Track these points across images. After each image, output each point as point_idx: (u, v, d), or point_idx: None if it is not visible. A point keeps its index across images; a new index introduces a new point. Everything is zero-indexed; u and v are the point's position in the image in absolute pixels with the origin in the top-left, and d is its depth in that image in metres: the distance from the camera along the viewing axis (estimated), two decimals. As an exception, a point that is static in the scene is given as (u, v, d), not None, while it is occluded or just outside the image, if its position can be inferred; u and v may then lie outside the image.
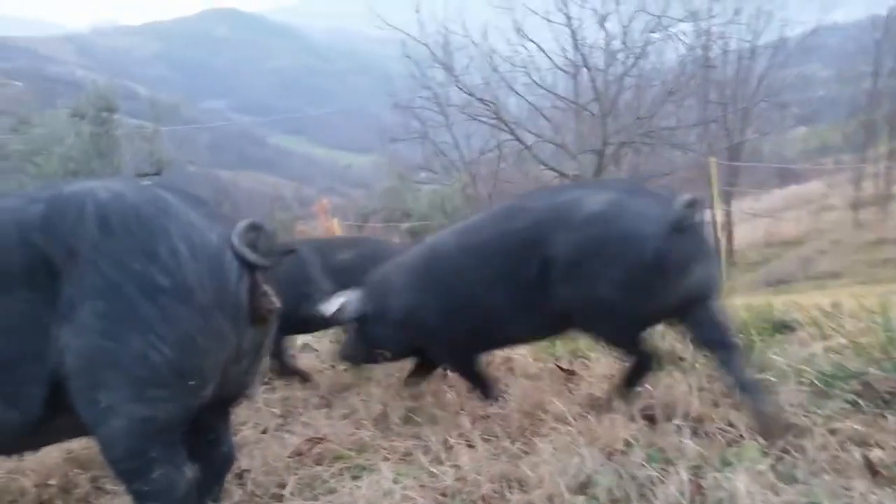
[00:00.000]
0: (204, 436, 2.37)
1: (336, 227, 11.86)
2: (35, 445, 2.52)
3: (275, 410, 3.33)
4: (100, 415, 2.07)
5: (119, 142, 16.86)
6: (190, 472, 2.14)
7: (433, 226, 12.63)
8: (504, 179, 19.39)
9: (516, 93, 18.65)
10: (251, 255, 2.12)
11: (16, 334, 2.08)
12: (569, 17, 17.52)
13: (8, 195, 2.28)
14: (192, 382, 2.12)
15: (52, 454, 2.91)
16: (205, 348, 2.13)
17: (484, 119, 18.50)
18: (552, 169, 17.78)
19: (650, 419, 2.72)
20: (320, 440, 2.85)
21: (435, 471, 2.43)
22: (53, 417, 2.17)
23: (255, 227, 2.18)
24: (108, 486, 2.70)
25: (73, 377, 2.05)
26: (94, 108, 17.32)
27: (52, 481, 2.81)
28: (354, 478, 2.52)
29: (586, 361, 3.62)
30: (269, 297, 2.17)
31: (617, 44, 17.45)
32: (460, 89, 18.42)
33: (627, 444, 2.51)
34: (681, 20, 17.52)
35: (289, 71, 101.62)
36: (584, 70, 17.73)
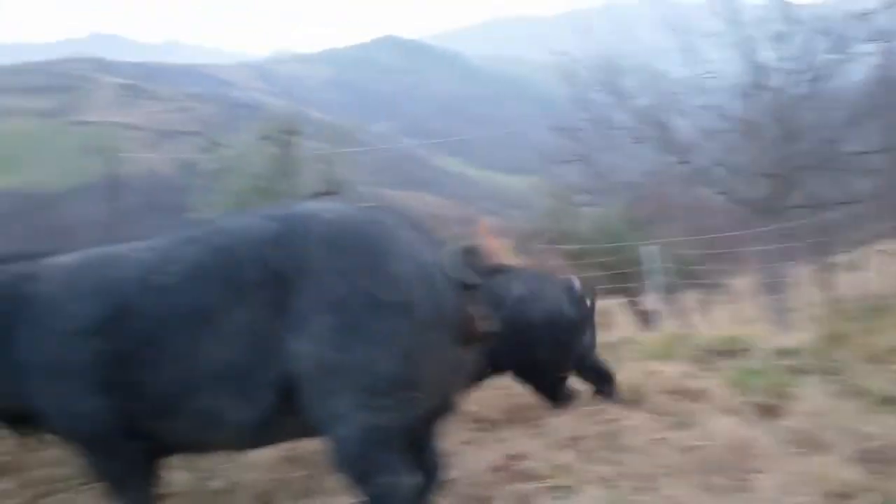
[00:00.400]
0: (416, 446, 2.45)
1: (504, 248, 11.91)
2: (263, 444, 2.70)
3: (469, 425, 3.41)
4: (329, 421, 2.22)
5: (299, 163, 17.80)
6: (412, 479, 2.23)
7: (596, 249, 12.47)
8: (670, 202, 18.90)
9: (684, 115, 18.19)
10: (465, 275, 2.22)
11: (251, 342, 2.25)
12: (744, 38, 16.91)
13: (244, 214, 2.53)
14: (414, 394, 2.22)
15: (271, 452, 3.12)
16: (425, 362, 2.22)
17: (649, 141, 18.15)
18: (723, 193, 17.12)
19: (871, 461, 2.57)
20: (520, 458, 2.89)
21: (643, 499, 2.41)
22: (282, 419, 2.33)
23: (467, 249, 2.29)
24: (323, 485, 2.87)
25: (303, 384, 2.21)
26: (277, 131, 18.39)
27: (270, 477, 3.02)
28: (558, 498, 2.54)
29: (788, 396, 3.46)
30: (482, 317, 2.25)
31: (796, 64, 16.62)
32: (626, 112, 18.20)
33: (848, 485, 2.38)
34: (866, 40, 16.44)
35: (451, 95, 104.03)
36: (760, 91, 17.00)
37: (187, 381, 2.32)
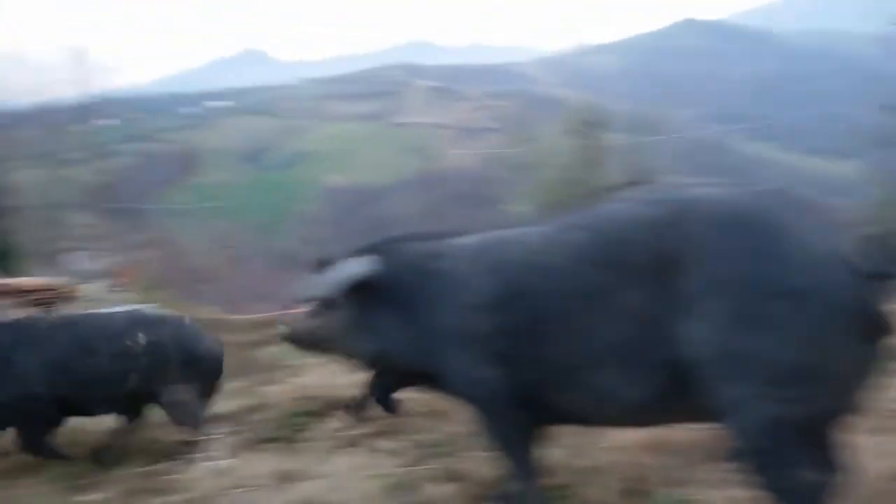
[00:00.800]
0: (818, 443, 2.34)
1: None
2: (647, 423, 2.81)
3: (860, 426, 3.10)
4: (729, 409, 2.20)
5: (604, 154, 18.02)
6: (818, 476, 2.19)
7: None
8: None
9: None
10: (876, 265, 2.10)
11: (640, 323, 2.32)
12: None
13: (624, 200, 2.57)
14: (818, 387, 2.14)
15: (636, 436, 3.25)
16: (828, 354, 2.12)
17: None
18: None
19: None
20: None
21: None
22: (669, 401, 2.39)
23: (875, 237, 2.19)
24: (694, 475, 2.93)
25: (699, 369, 2.21)
26: (580, 123, 18.75)
27: (636, 461, 3.14)
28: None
29: None
30: (885, 311, 2.09)
31: None
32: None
33: None
34: None
35: (759, 76, 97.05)
36: None
37: (578, 356, 2.47)
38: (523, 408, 2.69)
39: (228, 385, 6.02)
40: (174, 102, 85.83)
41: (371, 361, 3.12)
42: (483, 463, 3.20)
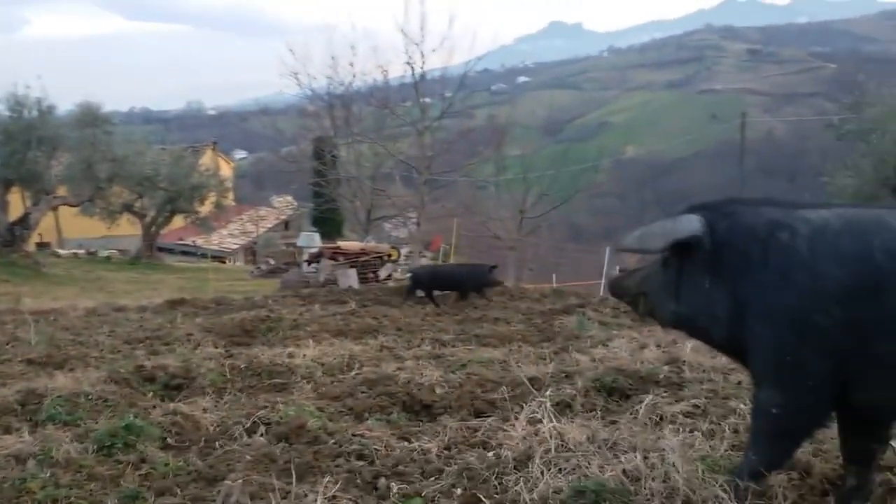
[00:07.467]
0: None
1: None
2: None
3: None
4: None
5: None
6: None
7: None
8: None
9: None
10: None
11: None
12: None
13: None
14: None
15: None
16: None
17: None
18: None
19: None
20: None
21: None
22: None
23: None
24: None
25: None
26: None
27: None
28: None
29: None
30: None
31: None
32: None
33: None
34: None
35: None
36: None
37: None
38: (839, 406, 2.52)
39: (535, 350, 6.30)
40: (488, 80, 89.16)
41: (671, 324, 2.95)
42: (808, 452, 3.10)
